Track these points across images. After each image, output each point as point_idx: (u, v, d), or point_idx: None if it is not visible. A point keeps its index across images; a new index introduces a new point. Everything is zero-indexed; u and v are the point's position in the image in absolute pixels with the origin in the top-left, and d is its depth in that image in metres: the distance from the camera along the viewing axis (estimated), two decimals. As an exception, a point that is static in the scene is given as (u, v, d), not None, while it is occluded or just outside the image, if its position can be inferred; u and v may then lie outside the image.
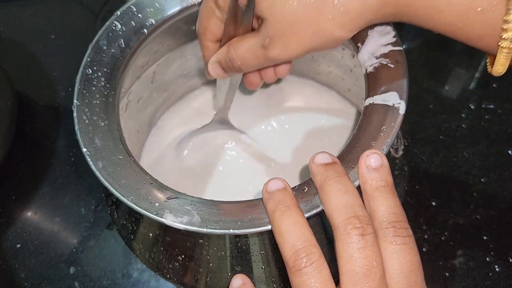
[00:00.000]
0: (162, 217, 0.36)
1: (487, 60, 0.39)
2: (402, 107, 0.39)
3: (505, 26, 0.34)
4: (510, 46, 0.35)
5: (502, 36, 0.34)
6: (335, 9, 0.36)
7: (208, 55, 0.45)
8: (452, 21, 0.36)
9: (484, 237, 0.51)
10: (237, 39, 0.42)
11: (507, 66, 0.37)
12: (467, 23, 0.35)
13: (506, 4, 0.33)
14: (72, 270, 0.52)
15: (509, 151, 0.56)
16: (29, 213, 0.56)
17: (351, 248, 0.30)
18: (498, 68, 0.37)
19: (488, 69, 0.38)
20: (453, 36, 0.37)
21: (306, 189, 0.36)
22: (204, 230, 0.35)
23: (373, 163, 0.34)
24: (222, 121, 0.57)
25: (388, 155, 0.35)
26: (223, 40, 0.43)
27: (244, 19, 0.40)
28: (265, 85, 0.61)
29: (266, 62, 0.42)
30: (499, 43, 0.35)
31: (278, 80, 0.53)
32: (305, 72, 0.61)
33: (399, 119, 0.39)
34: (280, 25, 0.38)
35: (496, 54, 0.36)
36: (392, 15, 0.38)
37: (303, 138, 0.58)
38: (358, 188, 0.34)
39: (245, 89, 0.55)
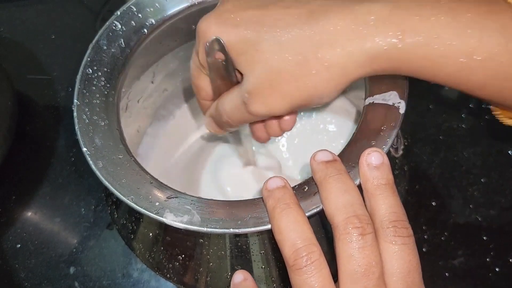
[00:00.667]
0: (162, 217, 0.36)
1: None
2: (402, 107, 0.39)
3: None
4: None
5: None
6: (319, 64, 0.34)
7: (204, 111, 0.45)
8: (451, 72, 0.33)
9: (484, 237, 0.51)
10: (224, 93, 0.41)
11: None
12: (466, 73, 0.33)
13: None
14: (72, 270, 0.52)
15: (509, 151, 0.56)
16: (29, 213, 0.56)
17: (351, 247, 0.30)
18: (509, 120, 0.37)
19: (500, 120, 0.38)
20: (453, 87, 0.35)
21: (306, 188, 0.36)
22: (204, 229, 0.35)
23: (374, 161, 0.34)
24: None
25: (388, 155, 0.35)
26: (215, 96, 0.43)
27: (226, 73, 0.39)
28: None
29: (249, 117, 0.39)
30: None
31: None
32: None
33: (399, 119, 0.39)
34: (259, 80, 0.36)
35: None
36: (384, 70, 0.35)
37: (303, 137, 0.58)
38: (359, 186, 0.34)
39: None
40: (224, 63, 0.38)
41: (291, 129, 0.45)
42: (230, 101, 0.40)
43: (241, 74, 0.38)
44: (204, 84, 0.42)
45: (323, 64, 0.34)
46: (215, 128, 0.45)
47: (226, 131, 0.46)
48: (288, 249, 0.31)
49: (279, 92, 0.36)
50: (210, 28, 0.37)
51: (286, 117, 0.43)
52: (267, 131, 0.45)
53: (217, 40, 0.36)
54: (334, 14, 0.34)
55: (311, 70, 0.34)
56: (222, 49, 0.37)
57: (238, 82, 0.40)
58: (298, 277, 0.31)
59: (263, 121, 0.44)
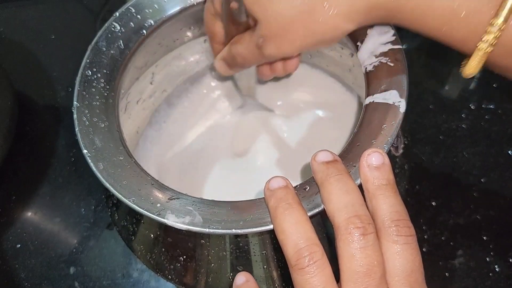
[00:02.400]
0: (164, 218, 0.36)
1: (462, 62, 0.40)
2: (402, 105, 0.39)
3: (488, 29, 0.34)
4: (487, 50, 0.35)
5: (482, 38, 0.35)
6: (325, 13, 0.38)
7: (217, 54, 0.48)
8: (436, 25, 0.37)
9: (484, 237, 0.51)
10: (237, 37, 0.44)
11: (478, 69, 0.37)
12: (450, 27, 0.36)
13: (495, 8, 0.34)
14: (72, 270, 0.52)
15: (509, 151, 0.56)
16: (29, 213, 0.56)
17: (352, 247, 0.31)
18: (469, 69, 0.38)
19: (460, 70, 0.39)
20: (438, 40, 0.38)
21: (308, 188, 0.36)
22: (206, 230, 0.35)
23: (375, 162, 0.34)
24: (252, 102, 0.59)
25: (388, 154, 0.35)
26: (227, 40, 0.46)
27: (239, 20, 0.42)
28: (265, 83, 0.61)
29: (263, 59, 0.43)
30: (477, 45, 0.35)
31: (288, 74, 0.54)
32: (304, 70, 0.61)
33: (400, 117, 0.39)
34: (272, 26, 0.39)
35: (471, 55, 0.37)
36: (381, 18, 0.39)
37: (303, 137, 0.58)
38: (360, 186, 0.34)
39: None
40: (237, 12, 0.41)
41: (294, 70, 0.49)
42: (244, 45, 0.43)
43: (254, 21, 0.42)
44: (218, 29, 0.45)
45: (329, 13, 0.38)
46: (226, 70, 0.49)
47: (235, 72, 0.50)
48: (290, 249, 0.32)
49: (291, 37, 0.40)
50: None
51: (290, 60, 0.48)
52: (272, 70, 0.49)
53: None
54: None
55: (319, 18, 0.38)
56: None
57: (249, 27, 0.44)
58: (300, 277, 0.31)
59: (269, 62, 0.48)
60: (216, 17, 0.44)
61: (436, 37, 0.38)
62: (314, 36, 0.40)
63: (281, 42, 0.40)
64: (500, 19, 0.34)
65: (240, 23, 0.43)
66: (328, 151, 0.36)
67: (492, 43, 0.35)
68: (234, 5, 0.40)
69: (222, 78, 0.61)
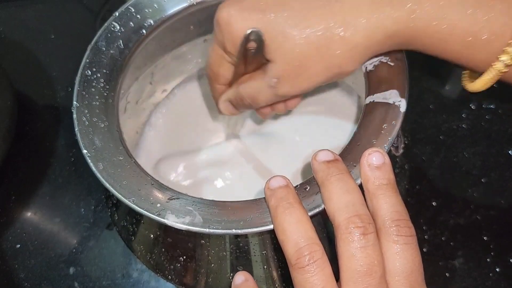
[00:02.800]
0: (164, 218, 0.36)
1: (463, 74, 0.40)
2: (402, 105, 0.40)
3: (506, 49, 0.34)
4: (502, 70, 0.36)
5: (499, 58, 0.35)
6: (343, 44, 0.37)
7: (218, 95, 0.47)
8: (457, 49, 0.36)
9: (484, 238, 0.51)
10: (246, 78, 0.43)
11: (488, 86, 0.38)
12: (472, 51, 0.36)
13: None
14: (72, 270, 0.52)
15: (509, 151, 0.56)
16: (29, 213, 0.56)
17: (353, 247, 0.31)
18: (479, 86, 0.38)
19: (463, 84, 0.40)
20: (458, 63, 0.38)
21: (308, 188, 0.36)
22: (206, 230, 0.35)
23: (375, 162, 0.34)
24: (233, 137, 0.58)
25: (389, 154, 0.35)
26: (233, 79, 0.44)
27: (253, 60, 0.41)
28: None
29: (275, 99, 0.43)
30: (493, 64, 0.36)
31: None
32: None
33: (400, 117, 0.39)
34: (288, 66, 0.39)
35: (484, 72, 0.37)
36: (398, 46, 0.38)
37: (304, 137, 0.58)
38: (360, 186, 0.34)
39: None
40: (253, 50, 0.39)
41: (295, 107, 0.48)
42: (255, 86, 0.42)
43: (264, 61, 0.41)
44: (224, 71, 0.44)
45: (347, 45, 0.37)
46: (231, 111, 0.47)
47: (240, 112, 0.48)
48: (290, 248, 0.32)
49: (307, 74, 0.39)
50: (235, 18, 0.38)
51: (292, 99, 0.46)
52: (273, 109, 0.48)
53: (255, 32, 0.37)
54: None
55: (336, 51, 0.37)
56: (259, 38, 0.38)
57: (258, 67, 0.42)
58: (300, 276, 0.31)
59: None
60: (224, 58, 0.42)
61: (454, 60, 0.38)
62: (331, 70, 0.39)
63: (297, 81, 0.40)
64: None
65: (252, 63, 0.41)
66: (329, 150, 0.36)
67: (508, 64, 0.35)
68: (252, 44, 0.39)
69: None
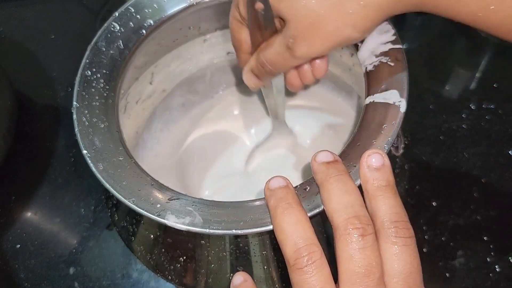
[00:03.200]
0: (164, 218, 0.36)
1: None
2: (402, 105, 0.40)
3: None
4: None
5: None
6: (355, 3, 0.37)
7: (242, 65, 0.46)
8: (473, 11, 0.36)
9: (484, 238, 0.51)
10: (264, 44, 0.43)
11: None
12: (487, 12, 0.35)
13: None
14: (72, 270, 0.52)
15: (509, 152, 0.56)
16: (29, 214, 0.56)
17: (351, 248, 0.30)
18: None
19: None
20: (473, 25, 0.37)
21: (308, 188, 0.36)
22: (207, 230, 0.35)
23: (375, 163, 0.34)
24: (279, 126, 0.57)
25: (389, 154, 0.35)
26: (253, 49, 0.44)
27: (266, 23, 0.40)
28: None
29: (295, 61, 0.42)
30: None
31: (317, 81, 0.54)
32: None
33: (400, 117, 0.39)
34: (301, 24, 0.38)
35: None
36: (413, 6, 0.37)
37: (304, 137, 0.58)
38: (359, 187, 0.34)
39: (246, 89, 0.55)
40: (263, 12, 0.39)
41: (324, 75, 0.47)
42: (274, 50, 0.41)
43: (281, 21, 0.40)
44: (245, 37, 0.43)
45: (359, 3, 0.37)
46: (255, 82, 0.46)
47: (264, 83, 0.47)
48: (289, 248, 0.31)
49: (322, 33, 0.38)
50: None
51: (318, 62, 0.45)
52: (301, 79, 0.47)
53: None
54: None
55: (349, 10, 0.37)
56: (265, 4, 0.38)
57: (276, 32, 0.42)
58: (298, 277, 0.31)
59: (297, 68, 0.46)
60: (242, 24, 0.42)
61: (471, 23, 0.37)
62: (345, 30, 0.38)
63: (313, 40, 0.39)
64: None
65: (266, 27, 0.41)
66: (328, 151, 0.35)
67: None
68: (259, 5, 0.38)
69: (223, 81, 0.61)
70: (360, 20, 0.38)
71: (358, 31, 0.38)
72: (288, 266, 0.32)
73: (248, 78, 0.46)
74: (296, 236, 0.32)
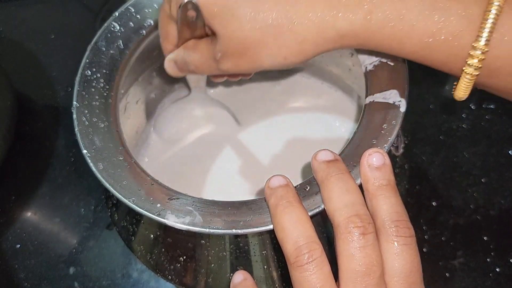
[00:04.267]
0: (164, 218, 0.36)
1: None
2: (402, 105, 0.40)
3: (471, 52, 0.34)
4: (473, 73, 0.35)
5: (467, 61, 0.34)
6: (292, 37, 0.36)
7: (167, 53, 0.46)
8: (415, 50, 0.36)
9: (484, 238, 0.51)
10: (193, 43, 0.42)
11: (468, 92, 0.37)
12: (430, 51, 0.35)
13: (476, 31, 0.33)
14: (71, 270, 0.52)
15: (509, 151, 0.56)
16: (29, 214, 0.56)
17: (352, 246, 0.31)
18: (459, 93, 0.37)
19: (452, 92, 0.38)
20: (417, 61, 0.37)
21: (308, 187, 0.36)
22: (207, 230, 0.35)
23: (375, 162, 0.34)
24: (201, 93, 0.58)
25: (389, 154, 0.35)
26: (180, 42, 0.43)
27: (195, 28, 0.40)
28: (264, 83, 0.61)
29: (217, 72, 0.42)
30: (464, 68, 0.35)
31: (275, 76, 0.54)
32: (304, 70, 0.61)
33: (400, 117, 0.39)
34: (232, 44, 0.38)
35: (459, 79, 0.36)
36: (351, 46, 0.37)
37: (304, 136, 0.58)
38: (360, 186, 0.34)
39: (244, 86, 0.55)
40: (194, 20, 0.39)
41: (248, 77, 0.48)
42: (200, 56, 0.42)
43: (211, 31, 0.40)
44: (171, 31, 0.43)
45: (296, 39, 0.36)
46: (176, 72, 0.46)
47: (184, 75, 0.47)
48: (290, 246, 0.31)
49: (251, 57, 0.38)
50: None
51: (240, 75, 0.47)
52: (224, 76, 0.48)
53: (191, 3, 0.37)
54: None
55: (284, 42, 0.37)
56: (196, 9, 0.37)
57: (205, 34, 0.42)
58: (299, 274, 0.31)
59: None
60: (170, 19, 0.42)
61: (416, 60, 0.37)
62: (275, 59, 0.38)
63: (240, 61, 0.39)
64: (482, 42, 0.33)
65: (195, 31, 0.41)
66: (329, 150, 0.36)
67: (477, 67, 0.34)
68: (191, 13, 0.38)
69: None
70: (292, 54, 0.37)
71: (290, 63, 0.38)
72: (288, 264, 0.32)
73: (170, 67, 0.46)
74: (297, 234, 0.32)
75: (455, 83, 0.37)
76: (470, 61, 0.34)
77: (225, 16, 0.37)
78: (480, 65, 0.34)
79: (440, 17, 0.34)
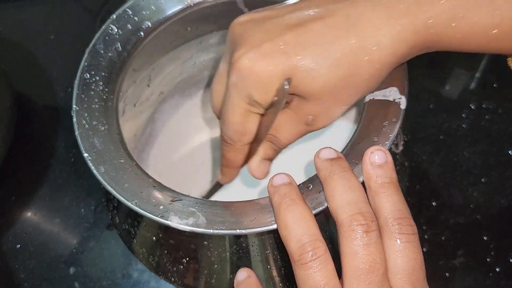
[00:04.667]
0: (167, 220, 0.36)
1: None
2: (403, 102, 0.40)
3: None
4: None
5: None
6: (370, 68, 0.36)
7: (239, 160, 0.42)
8: (483, 44, 0.36)
9: (484, 237, 0.51)
10: (274, 129, 0.40)
11: None
12: (497, 42, 0.35)
13: None
14: (72, 270, 0.52)
15: (509, 151, 0.56)
16: (29, 214, 0.56)
17: (355, 244, 0.31)
18: None
19: (509, 65, 0.39)
20: (487, 53, 0.39)
21: (311, 186, 0.36)
22: (210, 231, 0.35)
23: (378, 160, 0.34)
24: None
25: (389, 151, 0.35)
26: (255, 137, 0.40)
27: (278, 105, 0.36)
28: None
29: (310, 132, 0.41)
30: None
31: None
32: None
33: (401, 114, 0.39)
34: (322, 102, 0.37)
35: None
36: (421, 51, 0.37)
37: (305, 136, 0.58)
38: (362, 184, 0.34)
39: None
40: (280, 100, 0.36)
41: None
42: (291, 129, 0.40)
43: (290, 99, 0.38)
44: (252, 125, 0.39)
45: (374, 67, 0.36)
46: (267, 170, 0.44)
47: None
48: (293, 244, 0.31)
49: (341, 103, 0.38)
50: (261, 66, 0.35)
51: None
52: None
53: (288, 80, 0.35)
54: (367, 11, 0.35)
55: (365, 76, 0.36)
56: (288, 84, 0.35)
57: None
58: (303, 272, 0.31)
59: None
60: (250, 112, 0.38)
61: (484, 52, 0.37)
62: (362, 92, 0.38)
63: (333, 112, 0.38)
64: None
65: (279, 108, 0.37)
66: (331, 148, 0.36)
67: None
68: (282, 92, 0.35)
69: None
70: (375, 81, 0.37)
71: (373, 87, 0.38)
72: (292, 262, 0.32)
73: (263, 169, 0.44)
74: (301, 232, 0.32)
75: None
76: None
77: (306, 80, 0.36)
78: None
79: (500, 9, 0.34)
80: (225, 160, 0.43)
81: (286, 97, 0.35)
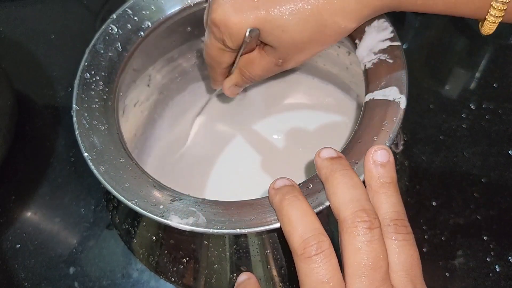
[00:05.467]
0: (167, 219, 0.36)
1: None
2: (402, 102, 0.40)
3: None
4: (501, 8, 0.36)
5: (492, 4, 0.36)
6: (336, 27, 0.39)
7: (221, 79, 0.49)
8: (447, 7, 0.37)
9: (484, 237, 0.51)
10: (246, 60, 0.45)
11: (494, 28, 0.38)
12: (461, 4, 0.37)
13: None
14: (71, 270, 0.52)
15: (509, 151, 0.56)
16: (29, 213, 0.56)
17: (358, 240, 0.31)
18: (486, 28, 0.38)
19: (479, 29, 0.40)
20: (454, 15, 0.39)
21: (311, 186, 0.36)
22: (211, 230, 0.35)
23: (380, 159, 0.34)
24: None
25: (389, 151, 0.35)
26: (231, 66, 0.47)
27: (248, 46, 0.43)
28: (264, 83, 0.61)
29: (279, 71, 0.46)
30: (491, 3, 0.36)
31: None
32: (303, 69, 0.61)
33: (400, 114, 0.39)
34: (289, 50, 0.41)
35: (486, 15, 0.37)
36: (390, 9, 0.40)
37: (304, 135, 0.58)
38: (363, 182, 0.34)
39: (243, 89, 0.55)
40: (248, 41, 0.41)
41: None
42: (262, 67, 0.45)
43: (263, 44, 0.44)
44: (226, 58, 0.45)
45: (339, 27, 0.39)
46: (236, 92, 0.51)
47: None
48: (297, 238, 0.32)
49: (307, 51, 0.42)
50: (232, 19, 0.40)
51: None
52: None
53: (253, 30, 0.40)
54: None
55: (330, 33, 0.40)
56: (256, 35, 0.40)
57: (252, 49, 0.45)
58: (306, 266, 0.31)
59: None
60: (224, 50, 0.44)
61: (451, 14, 0.39)
62: (326, 45, 0.42)
63: (299, 57, 0.43)
64: None
65: (245, 49, 0.43)
66: (331, 148, 0.36)
67: (502, 9, 0.36)
68: (249, 39, 0.41)
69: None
70: (339, 37, 0.41)
71: (335, 41, 0.42)
72: (295, 257, 0.32)
73: (232, 91, 0.50)
74: (304, 227, 0.32)
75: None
76: (494, 4, 0.36)
77: (276, 32, 0.40)
78: (504, 7, 0.36)
79: None
80: (211, 77, 0.50)
81: (257, 42, 0.43)
